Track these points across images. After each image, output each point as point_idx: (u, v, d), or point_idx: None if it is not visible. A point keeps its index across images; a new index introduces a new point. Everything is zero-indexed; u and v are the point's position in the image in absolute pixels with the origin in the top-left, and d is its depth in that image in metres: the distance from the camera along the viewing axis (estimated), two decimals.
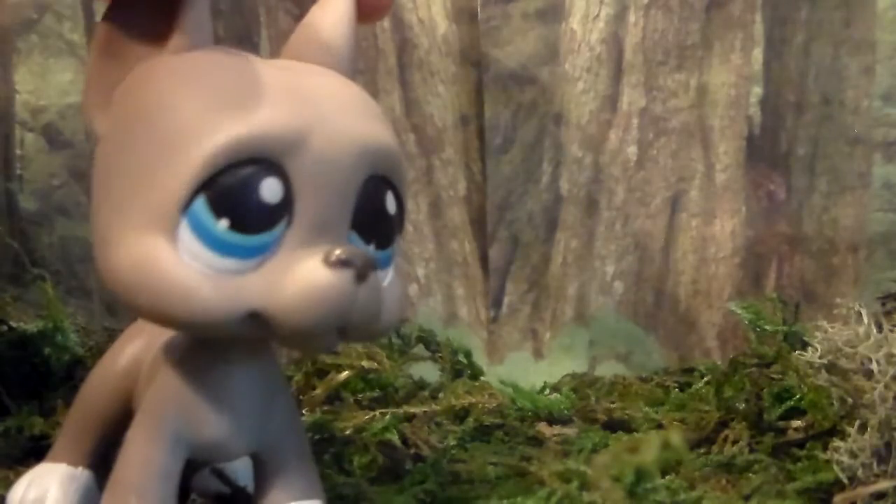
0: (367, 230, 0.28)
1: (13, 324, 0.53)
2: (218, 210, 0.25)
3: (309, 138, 0.26)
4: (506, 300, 0.79)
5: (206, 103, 0.26)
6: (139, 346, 0.35)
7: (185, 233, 0.25)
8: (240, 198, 0.26)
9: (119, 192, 0.27)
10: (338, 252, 0.26)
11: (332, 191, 0.27)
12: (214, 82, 0.27)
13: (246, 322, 0.26)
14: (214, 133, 0.25)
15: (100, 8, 0.29)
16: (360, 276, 0.26)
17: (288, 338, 0.27)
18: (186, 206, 0.25)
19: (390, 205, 0.29)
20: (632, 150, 0.79)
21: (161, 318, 0.26)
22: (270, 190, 0.26)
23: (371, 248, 0.29)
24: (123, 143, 0.27)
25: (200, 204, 0.25)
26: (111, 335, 0.55)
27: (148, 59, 0.28)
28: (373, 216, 0.29)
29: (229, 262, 0.26)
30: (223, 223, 0.25)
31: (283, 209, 0.26)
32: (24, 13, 0.74)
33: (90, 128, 0.28)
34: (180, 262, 0.25)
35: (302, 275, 0.26)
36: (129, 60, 0.28)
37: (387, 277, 0.29)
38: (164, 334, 0.31)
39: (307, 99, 0.27)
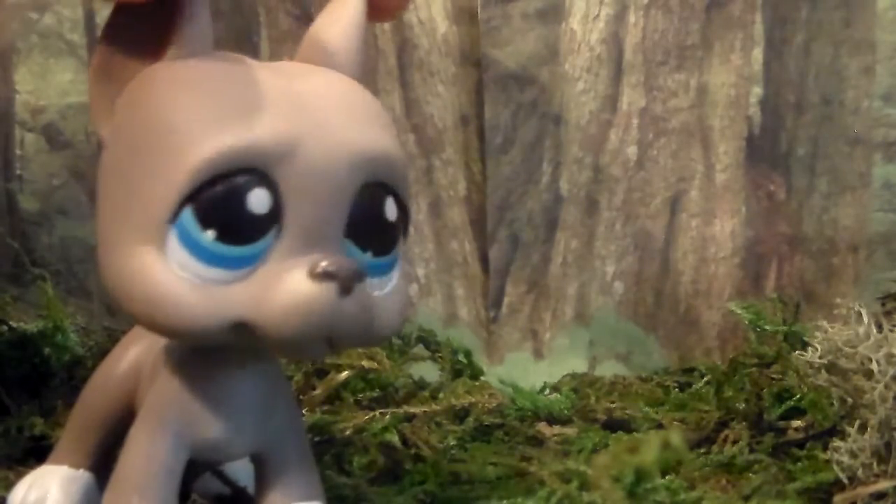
0: (363, 238, 0.28)
1: (13, 324, 0.53)
2: (204, 221, 0.25)
3: (299, 148, 0.26)
4: (506, 300, 0.79)
5: (191, 113, 0.26)
6: (141, 348, 0.35)
7: (173, 243, 0.25)
8: (226, 209, 0.25)
9: (116, 199, 0.27)
10: (323, 264, 0.26)
11: (324, 200, 0.27)
12: (204, 91, 0.27)
13: (232, 331, 0.26)
14: (201, 144, 0.25)
15: (99, 8, 0.29)
16: (344, 289, 0.26)
17: (275, 347, 0.27)
18: (174, 217, 0.25)
19: (390, 211, 0.29)
20: (632, 150, 0.79)
21: (151, 326, 0.27)
22: (258, 201, 0.26)
23: (368, 255, 0.28)
24: (121, 152, 0.27)
25: (187, 215, 0.25)
26: (111, 335, 0.55)
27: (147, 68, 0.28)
28: (369, 224, 0.28)
29: (217, 273, 0.26)
30: (210, 234, 0.25)
31: (272, 220, 0.26)
32: (24, 13, 0.74)
33: (98, 136, 0.28)
34: (169, 273, 0.25)
35: (285, 287, 0.26)
36: (128, 72, 0.28)
37: (389, 284, 0.29)
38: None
39: (301, 106, 0.27)
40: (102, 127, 0.28)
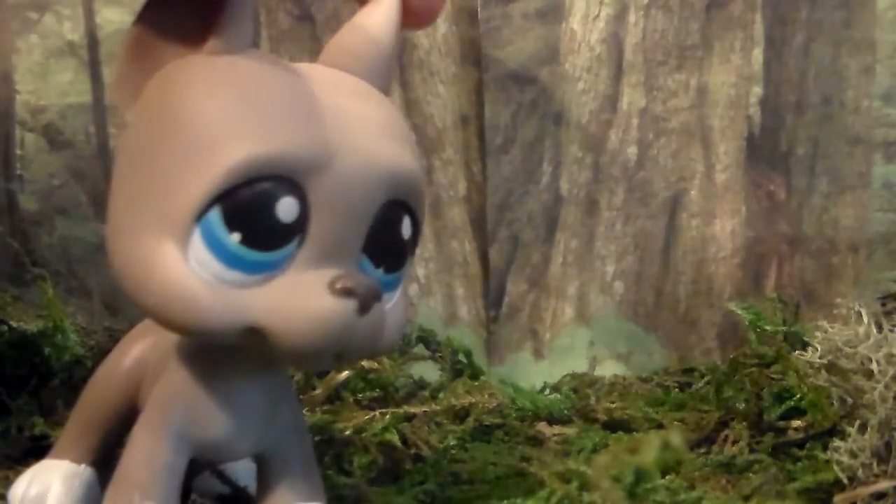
0: (378, 254, 0.28)
1: (13, 324, 0.53)
2: (231, 223, 0.25)
3: (331, 161, 0.26)
4: (506, 300, 0.79)
5: (231, 113, 0.26)
6: (146, 345, 0.35)
7: (196, 241, 0.25)
8: (255, 214, 0.25)
9: (136, 188, 0.26)
10: (343, 280, 0.26)
11: (349, 214, 0.27)
12: (243, 92, 0.26)
13: (245, 335, 0.26)
14: (236, 146, 0.25)
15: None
16: (363, 308, 0.26)
17: (284, 355, 0.27)
18: (201, 216, 0.25)
19: (405, 230, 0.29)
20: (632, 150, 0.79)
21: (163, 321, 0.26)
22: (287, 209, 0.26)
23: (380, 271, 0.28)
24: (146, 140, 0.27)
25: (215, 215, 0.25)
26: (111, 335, 0.55)
27: (183, 56, 0.27)
28: (386, 241, 0.28)
29: (236, 275, 0.26)
30: (235, 237, 0.25)
31: (297, 229, 0.26)
32: (24, 13, 0.74)
33: (121, 112, 0.28)
34: (187, 269, 0.25)
35: (305, 298, 0.26)
36: (162, 57, 0.28)
37: (392, 299, 0.29)
38: (171, 335, 0.31)
39: (334, 118, 0.27)
40: (127, 106, 0.28)
